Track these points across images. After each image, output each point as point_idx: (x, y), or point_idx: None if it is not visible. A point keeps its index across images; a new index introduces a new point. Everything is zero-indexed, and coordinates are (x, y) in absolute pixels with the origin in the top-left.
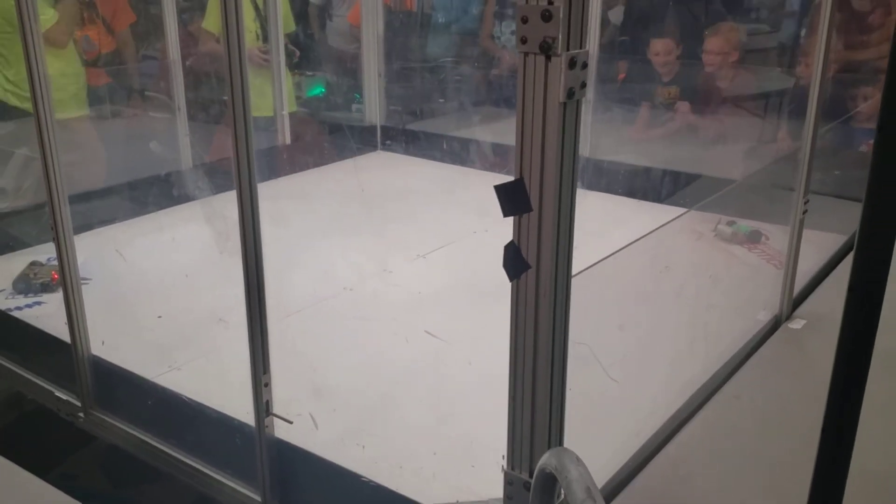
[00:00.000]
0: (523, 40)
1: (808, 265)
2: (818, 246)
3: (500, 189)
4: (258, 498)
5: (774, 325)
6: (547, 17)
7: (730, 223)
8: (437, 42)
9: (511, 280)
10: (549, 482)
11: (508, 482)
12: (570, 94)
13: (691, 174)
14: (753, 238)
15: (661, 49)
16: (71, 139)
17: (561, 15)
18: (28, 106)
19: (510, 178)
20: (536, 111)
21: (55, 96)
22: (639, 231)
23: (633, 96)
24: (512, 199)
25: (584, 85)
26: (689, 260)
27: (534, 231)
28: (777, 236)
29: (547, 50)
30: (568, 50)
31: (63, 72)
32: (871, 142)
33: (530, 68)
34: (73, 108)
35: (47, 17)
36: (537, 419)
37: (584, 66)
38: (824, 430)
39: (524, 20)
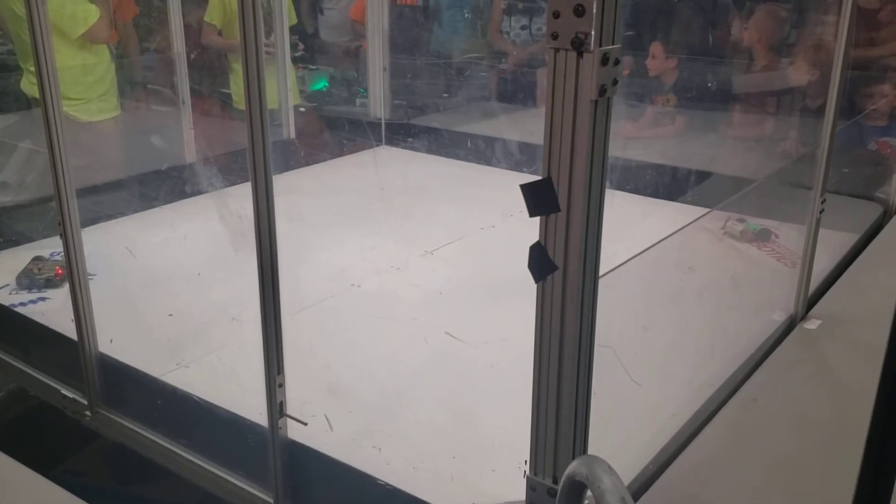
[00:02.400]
0: (554, 36)
1: (821, 265)
2: (829, 245)
3: (526, 188)
4: (270, 500)
5: (790, 326)
6: (580, 11)
7: (739, 221)
8: (443, 37)
9: (537, 281)
10: (577, 490)
11: (531, 488)
12: (602, 91)
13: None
14: (763, 237)
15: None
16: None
17: (594, 10)
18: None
19: (517, 174)
20: (567, 108)
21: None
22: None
23: (639, 92)
24: (539, 198)
25: (615, 82)
26: (701, 259)
27: (561, 231)
28: (787, 235)
29: (579, 46)
30: (601, 46)
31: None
32: (881, 140)
33: (561, 64)
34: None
35: (91, 13)
36: (562, 423)
37: (617, 62)
38: (870, 440)
39: (556, 15)
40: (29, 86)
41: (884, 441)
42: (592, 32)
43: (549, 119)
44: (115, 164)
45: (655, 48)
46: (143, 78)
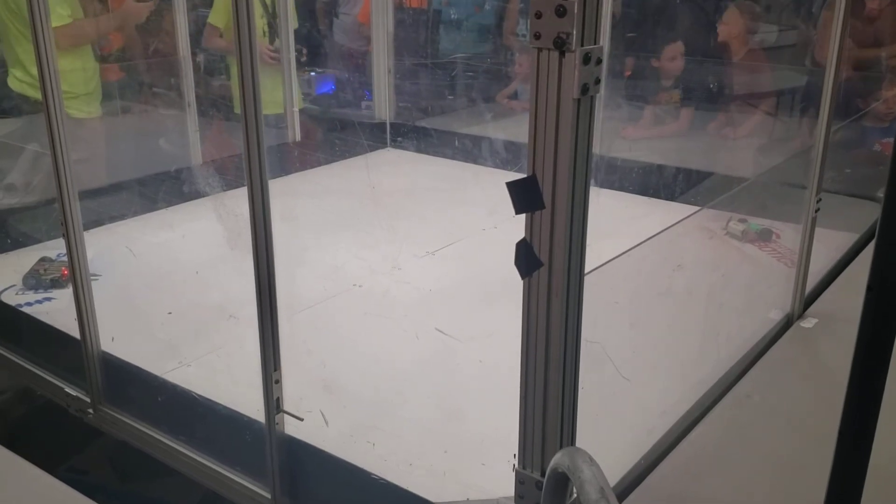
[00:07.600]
0: (537, 36)
1: (819, 264)
2: (829, 245)
3: (512, 186)
4: (268, 495)
5: (786, 324)
6: (561, 12)
7: (741, 221)
8: (450, 39)
9: (523, 277)
10: (562, 482)
11: (520, 481)
12: (585, 90)
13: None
14: (764, 236)
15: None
16: (85, 137)
17: (575, 10)
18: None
19: (522, 176)
20: (550, 107)
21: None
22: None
23: (642, 94)
24: (524, 196)
25: (598, 81)
26: (701, 258)
27: (546, 228)
28: (788, 235)
29: (561, 45)
30: (582, 45)
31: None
32: (885, 140)
33: (544, 64)
34: (88, 107)
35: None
36: (549, 418)
37: (599, 61)
38: (842, 431)
39: (538, 15)
40: (16, 82)
41: (856, 431)
42: (574, 32)
43: (533, 118)
44: (113, 167)
45: (674, 49)
46: (150, 80)
